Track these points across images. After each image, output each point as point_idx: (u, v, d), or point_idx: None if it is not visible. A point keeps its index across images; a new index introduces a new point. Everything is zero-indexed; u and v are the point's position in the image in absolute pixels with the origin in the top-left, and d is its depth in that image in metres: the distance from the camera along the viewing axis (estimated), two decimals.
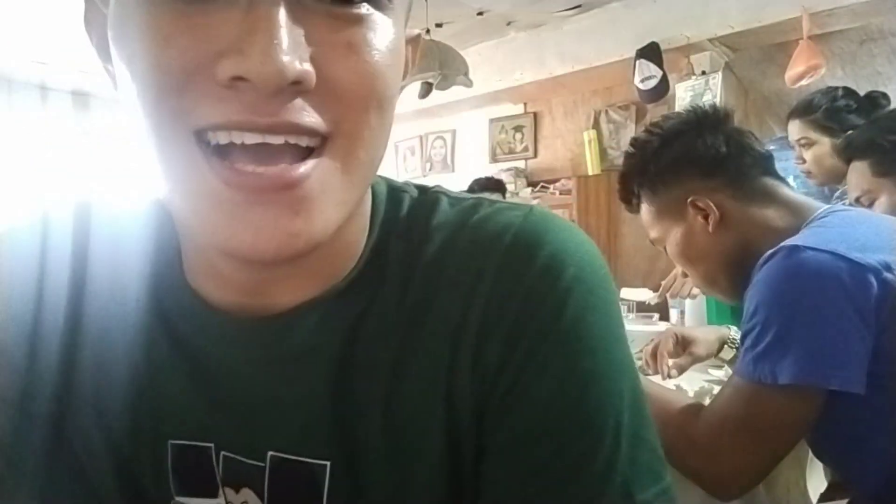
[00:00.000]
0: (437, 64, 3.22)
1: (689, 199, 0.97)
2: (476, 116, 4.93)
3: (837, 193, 1.97)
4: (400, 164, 5.44)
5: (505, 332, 0.44)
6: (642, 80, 3.58)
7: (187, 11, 0.35)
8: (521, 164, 4.66)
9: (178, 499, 0.50)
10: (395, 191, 0.52)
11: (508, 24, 4.06)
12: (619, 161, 4.15)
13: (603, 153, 4.18)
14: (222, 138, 0.36)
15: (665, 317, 2.42)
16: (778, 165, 3.11)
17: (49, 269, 0.50)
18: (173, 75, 0.35)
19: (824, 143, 1.99)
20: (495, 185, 3.06)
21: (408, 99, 4.25)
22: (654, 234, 1.07)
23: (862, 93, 2.05)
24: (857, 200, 1.40)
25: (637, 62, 3.59)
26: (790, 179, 2.92)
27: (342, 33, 0.37)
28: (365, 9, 0.38)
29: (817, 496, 1.00)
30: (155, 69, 0.35)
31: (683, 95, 3.56)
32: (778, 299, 0.78)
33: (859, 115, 1.93)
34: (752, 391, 0.78)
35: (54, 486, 0.51)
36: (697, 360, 1.24)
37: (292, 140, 0.37)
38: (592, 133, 4.16)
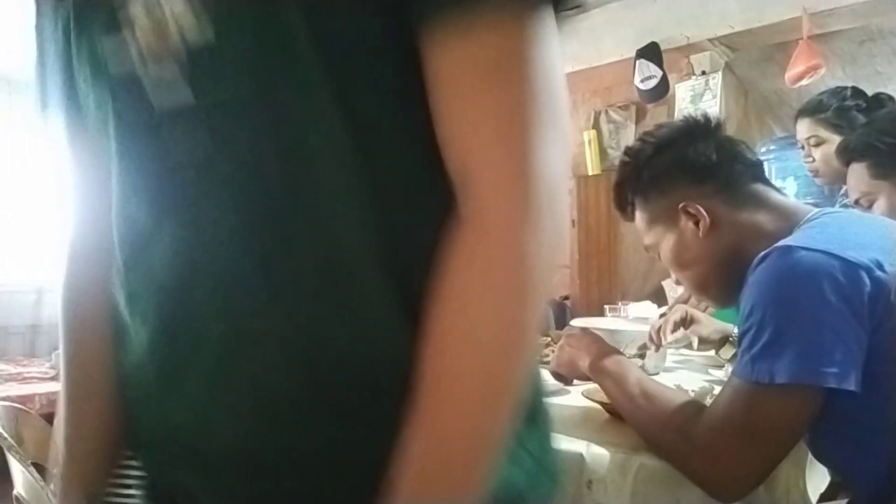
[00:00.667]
0: None
1: (680, 205, 0.99)
2: None
3: (842, 192, 1.98)
4: None
5: None
6: (642, 80, 3.58)
7: None
8: None
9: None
10: None
11: None
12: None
13: (603, 153, 4.18)
14: None
15: None
16: (779, 165, 3.11)
17: None
18: None
19: (834, 142, 2.00)
20: None
21: None
22: (647, 240, 1.09)
23: (863, 91, 2.06)
24: (857, 202, 1.41)
25: (637, 62, 3.59)
26: (790, 179, 2.92)
27: None
28: None
29: (817, 496, 1.00)
30: None
31: (683, 95, 3.56)
32: (773, 299, 0.79)
33: (867, 114, 1.95)
34: (751, 392, 0.78)
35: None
36: (698, 339, 1.27)
37: None
38: (592, 133, 4.17)
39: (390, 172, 0.45)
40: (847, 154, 1.41)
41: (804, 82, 3.01)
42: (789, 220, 0.92)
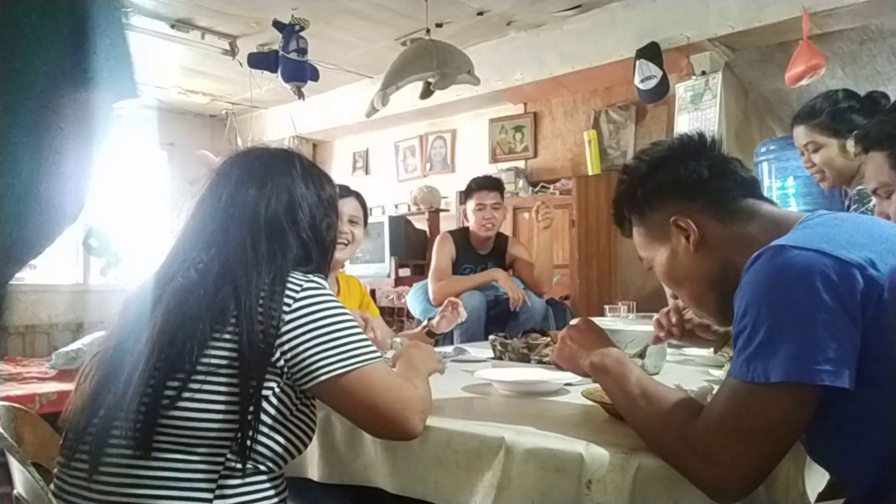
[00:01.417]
0: (435, 63, 3.22)
1: (671, 219, 1.01)
2: (476, 116, 4.93)
3: (851, 194, 1.98)
4: (400, 164, 5.45)
5: None
6: (642, 80, 3.58)
7: None
8: (521, 164, 4.66)
9: None
10: None
11: (508, 24, 4.06)
12: (619, 161, 4.17)
13: (603, 153, 4.18)
14: None
15: None
16: (779, 165, 3.10)
17: None
18: None
19: (832, 145, 2.00)
20: (494, 183, 3.05)
21: (408, 99, 4.25)
22: (643, 254, 1.12)
23: (862, 93, 2.06)
24: (875, 192, 1.38)
25: (637, 62, 3.59)
26: (790, 179, 2.92)
27: None
28: None
29: (815, 496, 1.00)
30: None
31: (683, 95, 3.56)
32: (766, 299, 0.79)
33: (862, 114, 1.95)
34: (746, 391, 0.78)
35: None
36: (704, 329, 1.31)
37: None
38: (592, 133, 4.17)
39: None
40: (866, 142, 1.38)
41: (804, 82, 3.01)
42: (780, 228, 0.92)
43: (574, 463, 0.89)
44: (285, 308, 0.94)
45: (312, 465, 1.19)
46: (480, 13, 3.86)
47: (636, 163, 1.10)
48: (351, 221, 2.04)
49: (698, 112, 3.45)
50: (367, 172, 5.73)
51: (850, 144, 1.96)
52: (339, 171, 5.76)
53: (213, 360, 0.90)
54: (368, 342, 0.99)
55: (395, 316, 4.61)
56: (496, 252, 3.09)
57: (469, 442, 0.99)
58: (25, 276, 4.81)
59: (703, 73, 3.47)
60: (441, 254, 2.98)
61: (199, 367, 0.89)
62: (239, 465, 0.91)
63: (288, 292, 0.95)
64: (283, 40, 3.62)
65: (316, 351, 0.94)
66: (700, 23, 3.45)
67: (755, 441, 0.78)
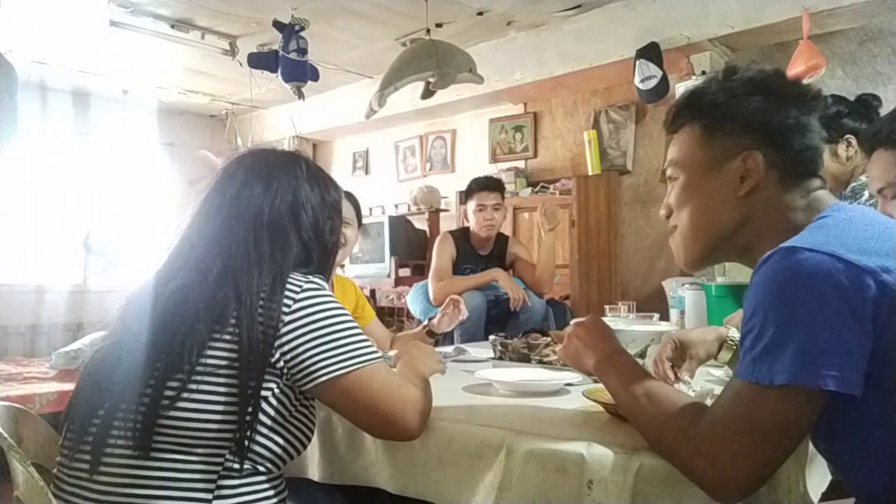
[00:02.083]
0: (433, 63, 3.21)
1: (742, 153, 0.93)
2: (476, 116, 4.93)
3: (847, 192, 1.98)
4: (400, 164, 5.45)
5: None
6: (642, 80, 3.58)
7: None
8: (521, 163, 4.66)
9: None
10: None
11: (508, 24, 4.06)
12: (619, 161, 4.17)
13: (603, 153, 4.18)
14: None
15: (665, 317, 2.42)
16: None
17: None
18: None
19: (823, 151, 2.00)
20: (494, 184, 3.05)
21: (408, 99, 4.25)
22: (675, 158, 1.01)
23: (862, 92, 2.05)
24: (880, 192, 1.35)
25: (637, 62, 3.59)
26: None
27: None
28: None
29: (818, 495, 1.00)
30: None
31: None
32: (775, 301, 0.78)
33: (852, 118, 1.95)
34: (751, 392, 0.78)
35: None
36: (700, 361, 1.24)
37: None
38: (592, 133, 4.16)
39: None
40: (875, 140, 1.34)
41: (804, 82, 3.01)
42: (809, 217, 0.90)
43: (575, 463, 0.89)
44: (285, 309, 0.93)
45: (312, 465, 1.19)
46: (480, 13, 3.86)
47: (752, 74, 0.98)
48: (346, 223, 2.04)
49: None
50: (367, 172, 5.73)
51: (842, 149, 1.96)
52: (339, 171, 5.76)
53: (213, 361, 0.90)
54: (368, 342, 0.99)
55: (395, 316, 4.61)
56: (496, 252, 3.09)
57: (470, 442, 0.99)
58: (25, 277, 4.81)
59: (703, 73, 3.47)
60: (441, 254, 2.98)
61: (199, 368, 0.89)
62: (237, 466, 0.91)
63: (288, 293, 0.95)
64: (283, 40, 3.62)
65: (316, 352, 0.93)
66: (700, 23, 3.45)
67: (758, 442, 0.77)
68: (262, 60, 3.80)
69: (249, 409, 0.90)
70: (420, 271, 4.61)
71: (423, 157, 5.28)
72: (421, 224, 4.96)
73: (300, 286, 0.96)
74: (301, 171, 1.09)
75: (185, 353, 0.89)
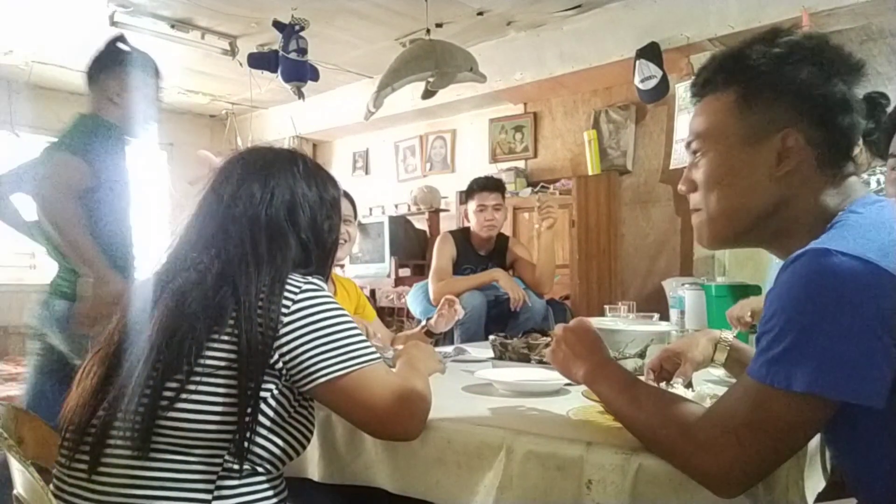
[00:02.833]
0: (432, 64, 3.21)
1: (783, 130, 0.84)
2: (476, 116, 4.93)
3: None
4: (400, 164, 5.45)
5: None
6: (642, 80, 3.58)
7: None
8: (521, 164, 4.66)
9: None
10: None
11: (508, 24, 4.06)
12: (619, 161, 4.17)
13: (603, 153, 4.18)
14: None
15: (665, 317, 2.42)
16: None
17: None
18: None
19: None
20: (495, 184, 3.05)
21: (408, 99, 4.25)
22: (702, 130, 0.91)
23: (863, 93, 2.05)
24: None
25: (637, 62, 3.59)
26: None
27: None
28: None
29: (814, 495, 1.00)
30: None
31: (683, 95, 3.56)
32: (800, 305, 0.75)
33: (861, 116, 1.93)
34: (763, 394, 0.76)
35: None
36: (696, 364, 1.22)
37: None
38: (592, 133, 4.17)
39: None
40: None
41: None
42: (840, 203, 0.86)
43: (574, 463, 0.89)
44: (284, 310, 0.93)
45: (312, 465, 1.19)
46: (480, 13, 3.86)
47: (805, 41, 0.87)
48: (345, 220, 2.03)
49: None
50: (367, 172, 5.73)
51: None
52: (339, 171, 5.76)
53: (212, 362, 0.90)
54: (367, 343, 0.99)
55: (395, 316, 4.62)
56: (497, 252, 3.09)
57: (470, 442, 0.99)
58: (25, 277, 4.81)
59: None
60: (441, 254, 2.99)
61: (198, 369, 0.89)
62: (237, 466, 0.91)
63: (287, 294, 0.95)
64: (283, 40, 3.62)
65: (314, 353, 0.93)
66: (700, 23, 3.45)
67: (764, 441, 0.76)
68: (262, 60, 3.80)
69: (249, 411, 0.90)
70: (420, 271, 4.61)
71: (423, 157, 5.29)
72: (421, 224, 4.96)
73: (299, 287, 0.96)
74: (298, 170, 1.08)
75: (184, 354, 0.89)
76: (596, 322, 1.62)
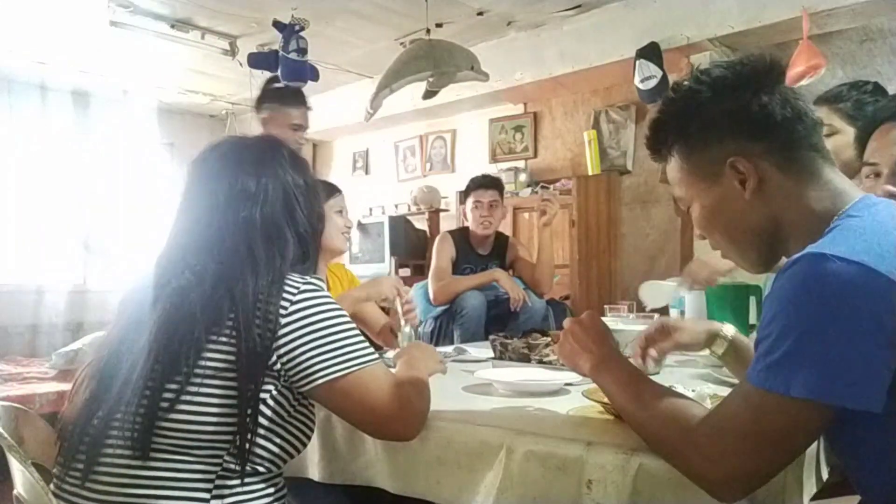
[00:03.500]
0: (431, 64, 3.21)
1: (729, 160, 0.89)
2: (476, 116, 4.93)
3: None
4: (400, 164, 5.45)
5: None
6: (642, 80, 3.58)
7: None
8: (521, 163, 4.66)
9: None
10: None
11: (508, 24, 4.06)
12: (619, 161, 4.17)
13: (603, 153, 4.18)
14: None
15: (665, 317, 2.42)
16: None
17: None
18: None
19: (847, 133, 1.97)
20: (491, 181, 3.05)
21: (408, 99, 4.25)
22: (680, 192, 0.99)
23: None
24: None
25: (637, 62, 3.59)
26: None
27: None
28: None
29: (811, 495, 1.00)
30: None
31: None
32: (798, 310, 0.75)
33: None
34: (762, 399, 0.76)
35: None
36: (679, 346, 1.21)
37: None
38: (592, 133, 4.17)
39: None
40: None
41: (804, 82, 3.01)
42: (836, 203, 0.87)
43: (575, 463, 0.89)
44: (282, 311, 0.93)
45: (313, 465, 1.19)
46: (480, 13, 3.86)
47: (695, 84, 0.95)
48: (340, 211, 2.02)
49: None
50: (367, 172, 5.73)
51: None
52: (339, 171, 5.76)
53: (211, 364, 0.90)
54: (366, 344, 0.99)
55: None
56: (496, 252, 3.09)
57: (470, 442, 0.99)
58: (25, 277, 4.81)
59: None
60: (441, 254, 2.98)
61: (197, 371, 0.89)
62: (236, 466, 0.91)
63: (285, 295, 0.94)
64: (283, 40, 3.62)
65: (313, 354, 0.93)
66: (700, 23, 3.45)
67: (764, 447, 0.76)
68: (262, 60, 3.79)
69: (248, 412, 0.90)
70: (420, 271, 4.61)
71: (423, 157, 5.28)
72: (421, 224, 4.96)
73: (297, 287, 0.96)
74: (285, 160, 1.07)
75: (183, 356, 0.89)
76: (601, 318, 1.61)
